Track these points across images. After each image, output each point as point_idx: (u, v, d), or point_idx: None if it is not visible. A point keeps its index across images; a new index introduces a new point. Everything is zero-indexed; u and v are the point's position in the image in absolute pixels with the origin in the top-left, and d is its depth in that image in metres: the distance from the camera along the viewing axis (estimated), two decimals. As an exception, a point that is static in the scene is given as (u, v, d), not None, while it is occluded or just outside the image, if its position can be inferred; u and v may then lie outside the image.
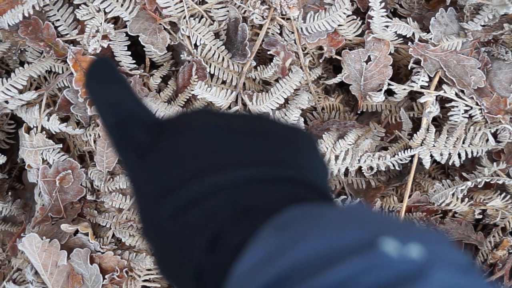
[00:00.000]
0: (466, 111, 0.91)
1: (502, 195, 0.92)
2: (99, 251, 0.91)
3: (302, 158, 0.36)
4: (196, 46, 0.93)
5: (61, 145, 0.96)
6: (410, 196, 0.93)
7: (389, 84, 0.93)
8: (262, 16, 0.93)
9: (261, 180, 0.33)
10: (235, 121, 0.38)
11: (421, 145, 0.91)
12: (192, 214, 0.31)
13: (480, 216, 0.96)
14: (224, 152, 0.33)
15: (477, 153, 0.91)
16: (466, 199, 0.94)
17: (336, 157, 0.92)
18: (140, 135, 0.36)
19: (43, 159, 0.96)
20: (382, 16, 0.90)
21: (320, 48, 0.98)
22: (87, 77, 0.38)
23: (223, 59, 0.95)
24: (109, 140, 0.41)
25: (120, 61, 0.97)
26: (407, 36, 0.93)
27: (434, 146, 0.91)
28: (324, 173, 0.40)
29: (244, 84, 0.96)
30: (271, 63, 0.94)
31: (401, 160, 0.92)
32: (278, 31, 0.95)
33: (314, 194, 0.34)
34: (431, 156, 0.92)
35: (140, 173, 0.35)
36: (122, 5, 0.92)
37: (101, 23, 0.92)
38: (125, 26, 0.93)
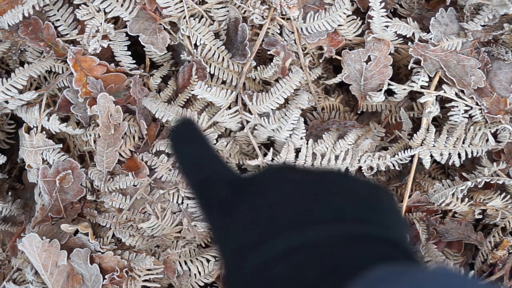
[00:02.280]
0: (466, 111, 0.91)
1: (502, 195, 0.92)
2: (99, 251, 0.91)
3: (383, 215, 0.37)
4: (196, 46, 0.93)
5: (61, 145, 0.96)
6: (410, 196, 0.93)
7: (389, 84, 0.93)
8: (262, 16, 0.93)
9: (345, 237, 0.33)
10: (316, 178, 0.39)
11: (421, 145, 0.91)
12: (278, 269, 0.32)
13: (480, 216, 0.96)
14: (307, 209, 0.35)
15: (477, 153, 0.91)
16: (466, 199, 0.94)
17: (336, 157, 0.92)
18: (223, 192, 0.38)
19: (43, 159, 0.96)
20: (382, 16, 0.90)
21: (320, 48, 0.98)
22: (171, 137, 0.41)
23: (223, 59, 0.95)
24: (193, 197, 0.45)
25: (120, 61, 0.97)
26: (407, 36, 0.93)
27: (434, 146, 0.91)
28: (405, 230, 0.40)
29: (244, 84, 0.96)
30: (271, 63, 0.94)
31: (401, 160, 0.92)
32: (278, 31, 0.95)
33: (397, 252, 0.35)
34: (431, 156, 0.92)
35: (224, 228, 0.37)
36: (122, 5, 0.92)
37: (101, 23, 0.92)
38: (125, 26, 0.93)
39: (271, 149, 0.93)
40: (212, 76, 0.95)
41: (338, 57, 0.96)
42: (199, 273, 0.94)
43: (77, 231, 0.93)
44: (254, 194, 0.37)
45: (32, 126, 0.97)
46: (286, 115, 0.90)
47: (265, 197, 0.36)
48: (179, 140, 0.41)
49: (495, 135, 0.92)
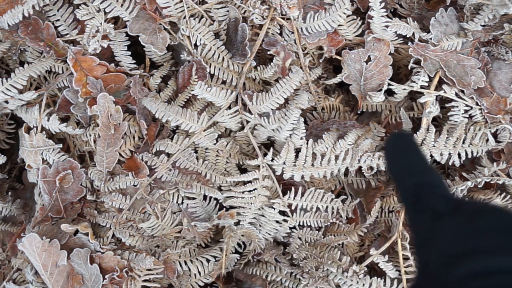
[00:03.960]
0: (466, 111, 0.91)
1: (502, 195, 0.92)
2: (99, 251, 0.91)
3: None
4: (196, 46, 0.93)
5: (61, 145, 0.96)
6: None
7: (389, 84, 0.93)
8: (262, 16, 0.93)
9: None
10: None
11: (421, 145, 0.91)
12: (482, 283, 0.36)
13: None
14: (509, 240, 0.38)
15: (477, 153, 0.91)
16: (466, 199, 0.94)
17: (336, 157, 0.92)
18: (438, 201, 0.42)
19: (43, 159, 0.96)
20: (382, 16, 0.90)
21: (320, 48, 0.98)
22: (388, 146, 0.46)
23: (223, 59, 0.95)
24: (401, 200, 0.49)
25: (120, 61, 0.97)
26: (407, 36, 0.93)
27: (434, 146, 0.91)
28: None
29: (244, 84, 0.96)
30: (271, 63, 0.94)
31: (401, 160, 0.92)
32: (278, 31, 0.95)
33: None
34: (431, 156, 0.92)
35: (433, 234, 0.40)
36: (122, 5, 0.92)
37: (101, 23, 0.92)
38: (125, 26, 0.93)
39: (271, 149, 0.93)
40: (212, 76, 0.95)
41: (338, 57, 0.96)
42: (199, 273, 0.94)
43: (77, 231, 0.93)
44: (469, 213, 0.40)
45: (32, 126, 0.97)
46: (286, 115, 0.90)
47: (478, 219, 0.40)
48: (395, 148, 0.46)
49: (495, 135, 0.92)
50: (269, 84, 0.99)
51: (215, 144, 0.95)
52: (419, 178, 0.44)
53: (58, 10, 0.95)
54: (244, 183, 0.93)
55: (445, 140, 0.91)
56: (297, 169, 0.91)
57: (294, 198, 0.94)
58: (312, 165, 0.91)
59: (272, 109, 0.92)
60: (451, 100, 0.91)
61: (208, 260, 0.94)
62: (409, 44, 0.92)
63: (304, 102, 0.91)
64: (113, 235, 0.95)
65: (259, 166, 0.93)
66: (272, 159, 0.92)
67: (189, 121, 0.92)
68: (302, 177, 0.93)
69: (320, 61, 0.99)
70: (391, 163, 0.46)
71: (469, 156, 0.91)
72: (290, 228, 0.96)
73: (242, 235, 0.95)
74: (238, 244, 0.98)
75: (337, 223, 0.95)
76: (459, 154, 0.91)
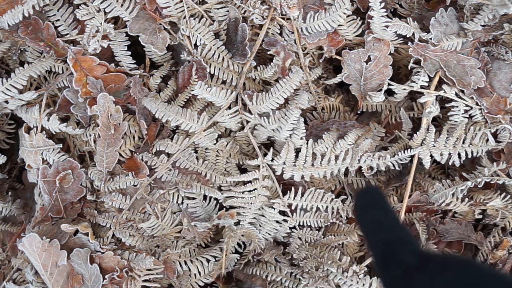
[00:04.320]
0: (466, 111, 0.91)
1: (502, 195, 0.92)
2: (99, 251, 0.91)
3: None
4: (196, 46, 0.93)
5: (61, 145, 0.96)
6: (410, 196, 0.93)
7: (389, 84, 0.93)
8: (262, 16, 0.93)
9: None
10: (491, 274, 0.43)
11: (421, 145, 0.91)
12: None
13: (480, 216, 0.96)
14: None
15: (477, 153, 0.91)
16: (466, 199, 0.94)
17: (336, 157, 0.92)
18: (408, 256, 0.43)
19: (43, 159, 0.96)
20: (382, 16, 0.90)
21: (320, 48, 0.98)
22: (359, 201, 0.47)
23: (223, 59, 0.95)
24: (372, 257, 0.50)
25: (120, 61, 0.97)
26: (407, 36, 0.93)
27: (434, 146, 0.91)
28: None
29: (244, 84, 0.96)
30: (271, 63, 0.94)
31: (401, 160, 0.92)
32: (278, 31, 0.95)
33: None
34: (431, 156, 0.92)
35: None
36: (122, 5, 0.92)
37: (101, 23, 0.92)
38: (125, 26, 0.93)
39: (271, 149, 0.93)
40: (212, 76, 0.95)
41: (338, 57, 0.96)
42: (199, 273, 0.94)
43: (77, 231, 0.93)
44: (437, 267, 0.41)
45: (32, 126, 0.97)
46: (286, 115, 0.90)
47: (440, 275, 0.41)
48: (365, 204, 0.47)
49: (495, 135, 0.92)
50: (269, 84, 0.99)
51: (215, 144, 0.95)
52: (389, 234, 0.45)
53: (58, 10, 0.95)
54: (244, 183, 0.93)
55: (445, 140, 0.91)
56: (297, 169, 0.91)
57: (294, 198, 0.94)
58: (312, 165, 0.91)
59: (272, 109, 0.92)
60: (451, 100, 0.91)
61: (208, 260, 0.94)
62: (409, 44, 0.92)
63: (304, 102, 0.91)
64: (113, 235, 0.95)
65: (259, 166, 0.93)
66: (272, 159, 0.92)
67: (189, 121, 0.92)
68: (302, 177, 0.93)
69: (320, 61, 0.99)
70: (361, 219, 0.47)
71: (469, 156, 0.91)
72: (290, 228, 0.96)
73: (242, 235, 0.95)
74: (238, 244, 0.98)
75: (337, 223, 0.95)
76: (459, 154, 0.91)
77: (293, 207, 0.94)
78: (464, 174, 0.94)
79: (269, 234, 0.96)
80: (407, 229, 0.46)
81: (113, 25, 0.94)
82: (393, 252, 0.44)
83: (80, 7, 0.92)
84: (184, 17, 0.92)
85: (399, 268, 0.43)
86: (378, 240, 0.45)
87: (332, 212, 0.95)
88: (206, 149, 0.96)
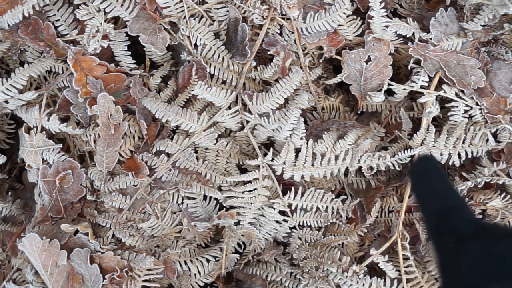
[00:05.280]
0: (466, 111, 0.91)
1: (502, 195, 0.92)
2: (99, 251, 0.91)
3: None
4: (196, 46, 0.93)
5: (61, 145, 0.96)
6: (410, 196, 0.93)
7: (389, 84, 0.93)
8: (262, 16, 0.93)
9: None
10: None
11: (421, 145, 0.91)
12: None
13: (480, 216, 0.96)
14: None
15: (477, 153, 0.91)
16: (466, 199, 0.94)
17: (336, 157, 0.92)
18: (462, 225, 0.43)
19: (43, 159, 0.96)
20: (382, 16, 0.90)
21: (320, 48, 0.98)
22: (414, 169, 0.47)
23: (223, 59, 0.95)
24: (425, 225, 0.50)
25: (120, 61, 0.97)
26: (407, 36, 0.93)
27: (434, 146, 0.91)
28: None
29: (244, 84, 0.96)
30: (271, 63, 0.94)
31: (401, 160, 0.92)
32: (278, 31, 0.95)
33: None
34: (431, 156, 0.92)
35: (457, 258, 0.41)
36: (122, 5, 0.92)
37: (101, 23, 0.92)
38: (125, 26, 0.93)
39: (271, 149, 0.93)
40: (212, 76, 0.95)
41: (338, 57, 0.96)
42: (199, 273, 0.94)
43: (77, 231, 0.93)
44: (491, 237, 0.42)
45: (32, 126, 0.97)
46: (286, 115, 0.90)
47: (497, 245, 0.41)
48: (420, 172, 0.47)
49: (495, 135, 0.92)
50: (269, 84, 0.99)
51: (215, 144, 0.95)
52: (444, 202, 0.45)
53: (58, 10, 0.95)
54: (244, 183, 0.93)
55: (445, 140, 0.91)
56: (297, 169, 0.91)
57: (294, 198, 0.94)
58: (312, 165, 0.91)
59: (272, 109, 0.92)
60: (451, 100, 0.91)
61: (208, 260, 0.94)
62: (409, 44, 0.92)
63: (304, 102, 0.91)
64: (113, 235, 0.95)
65: (259, 166, 0.93)
66: (272, 159, 0.92)
67: (189, 121, 0.92)
68: (302, 177, 0.93)
69: (320, 61, 0.99)
70: (416, 186, 0.47)
71: (469, 156, 0.91)
72: (290, 228, 0.96)
73: (242, 235, 0.95)
74: (238, 244, 0.98)
75: (337, 223, 0.95)
76: (459, 154, 0.91)
77: (293, 207, 0.94)
78: (464, 174, 0.94)
79: (269, 234, 0.96)
80: (462, 197, 0.46)
81: (113, 25, 0.94)
82: (448, 220, 0.43)
83: (80, 7, 0.92)
84: (184, 17, 0.92)
85: (452, 236, 0.42)
86: (433, 207, 0.45)
87: (332, 212, 0.95)
88: (206, 149, 0.96)
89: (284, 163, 0.92)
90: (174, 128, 0.98)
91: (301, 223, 0.95)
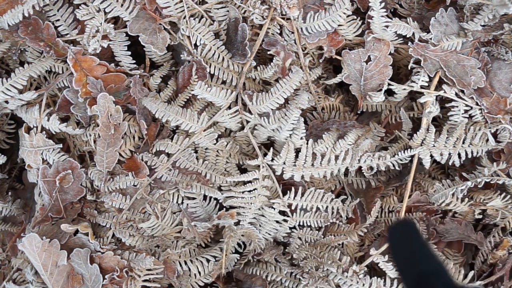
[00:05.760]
0: (466, 111, 0.91)
1: (502, 195, 0.92)
2: (99, 251, 0.91)
3: None
4: (196, 46, 0.93)
5: (61, 145, 0.96)
6: (410, 196, 0.93)
7: (389, 84, 0.93)
8: (262, 16, 0.93)
9: None
10: None
11: (421, 145, 0.91)
12: None
13: (480, 216, 0.96)
14: None
15: (477, 153, 0.91)
16: (466, 199, 0.94)
17: (336, 157, 0.92)
18: None
19: (43, 159, 0.96)
20: (382, 16, 0.90)
21: (320, 48, 0.98)
22: (392, 235, 0.48)
23: (223, 59, 0.95)
24: None
25: (120, 61, 0.97)
26: (407, 36, 0.93)
27: (434, 146, 0.91)
28: None
29: (244, 84, 0.96)
30: (271, 63, 0.94)
31: (401, 160, 0.92)
32: (278, 31, 0.95)
33: None
34: (431, 156, 0.92)
35: None
36: (122, 5, 0.92)
37: (101, 23, 0.92)
38: (125, 26, 0.93)
39: (271, 149, 0.93)
40: (212, 76, 0.95)
41: (338, 57, 0.96)
42: (199, 273, 0.94)
43: (77, 231, 0.93)
44: None
45: (32, 126, 0.97)
46: (286, 115, 0.90)
47: None
48: (399, 237, 0.47)
49: (495, 135, 0.92)
50: (269, 84, 0.99)
51: (215, 144, 0.95)
52: (423, 267, 0.45)
53: (58, 10, 0.95)
54: (244, 183, 0.93)
55: (445, 140, 0.91)
56: (297, 169, 0.91)
57: (294, 198, 0.94)
58: (312, 165, 0.91)
59: (272, 109, 0.92)
60: (451, 100, 0.91)
61: (208, 260, 0.94)
62: (409, 44, 0.92)
63: (304, 102, 0.91)
64: (113, 235, 0.95)
65: (259, 166, 0.93)
66: (272, 159, 0.92)
67: (189, 121, 0.92)
68: (302, 177, 0.93)
69: (320, 61, 0.99)
70: (395, 250, 0.48)
71: (469, 156, 0.91)
72: (290, 228, 0.96)
73: (242, 235, 0.95)
74: (238, 244, 0.98)
75: (337, 223, 0.95)
76: (459, 154, 0.91)
77: (293, 207, 0.94)
78: (464, 174, 0.94)
79: (269, 234, 0.96)
80: (441, 261, 0.46)
81: (113, 25, 0.94)
82: (427, 285, 0.44)
83: (80, 7, 0.92)
84: (184, 17, 0.92)
85: None
86: (412, 273, 0.45)
87: (332, 212, 0.95)
88: (206, 149, 0.96)
89: (284, 163, 0.92)
90: (174, 128, 0.98)
91: (301, 223, 0.95)
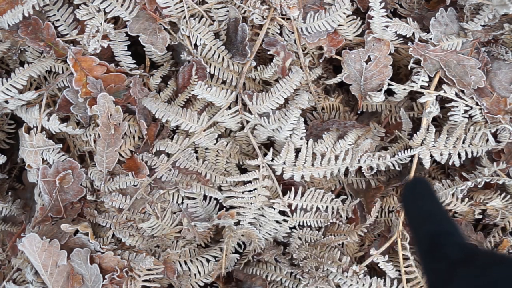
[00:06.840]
0: (466, 111, 0.91)
1: (502, 195, 0.92)
2: (99, 251, 0.91)
3: None
4: (196, 46, 0.93)
5: (61, 145, 0.96)
6: (410, 196, 0.93)
7: (389, 84, 0.93)
8: (262, 16, 0.93)
9: None
10: None
11: (421, 145, 0.91)
12: None
13: (480, 216, 0.96)
14: None
15: (477, 153, 0.91)
16: (466, 199, 0.94)
17: (336, 157, 0.92)
18: (453, 250, 0.43)
19: (43, 159, 0.96)
20: (382, 16, 0.90)
21: (320, 48, 0.98)
22: (406, 192, 0.47)
23: (223, 59, 0.95)
24: (416, 246, 0.50)
25: (120, 61, 0.97)
26: (407, 36, 0.93)
27: (434, 146, 0.91)
28: None
29: (244, 84, 0.96)
30: (271, 63, 0.94)
31: (401, 160, 0.92)
32: (278, 31, 0.95)
33: None
34: (431, 156, 0.92)
35: (447, 283, 0.41)
36: (122, 5, 0.92)
37: (101, 23, 0.92)
38: (125, 26, 0.93)
39: (271, 149, 0.93)
40: (212, 76, 0.95)
41: (338, 57, 0.96)
42: (199, 273, 0.94)
43: (77, 231, 0.93)
44: (480, 263, 0.42)
45: (32, 126, 0.97)
46: (286, 115, 0.90)
47: (486, 273, 0.40)
48: (413, 195, 0.47)
49: (495, 135, 0.92)
50: (269, 84, 0.99)
51: (215, 144, 0.95)
52: (435, 226, 0.45)
53: (58, 10, 0.95)
54: (244, 183, 0.93)
55: (445, 140, 0.91)
56: (297, 169, 0.91)
57: (294, 198, 0.94)
58: (312, 165, 0.91)
59: (272, 109, 0.92)
60: (451, 100, 0.91)
61: (208, 260, 0.94)
62: (409, 44, 0.92)
63: (304, 102, 0.91)
64: (113, 235, 0.95)
65: (259, 166, 0.93)
66: (272, 159, 0.92)
67: (189, 121, 0.92)
68: (302, 177, 0.93)
69: (320, 61, 0.99)
70: (408, 210, 0.47)
71: (469, 156, 0.91)
72: (290, 228, 0.96)
73: (242, 235, 0.95)
74: (238, 244, 0.98)
75: (337, 223, 0.95)
76: (459, 154, 0.91)
77: (293, 207, 0.94)
78: (464, 174, 0.94)
79: (269, 234, 0.96)
80: (453, 221, 0.46)
81: (113, 25, 0.94)
82: (439, 245, 0.43)
83: (80, 7, 0.92)
84: (184, 17, 0.92)
85: (443, 261, 0.42)
86: (424, 232, 0.45)
87: (332, 212, 0.95)
88: (206, 149, 0.96)
89: (284, 163, 0.92)
90: (174, 128, 0.98)
91: (301, 223, 0.95)
